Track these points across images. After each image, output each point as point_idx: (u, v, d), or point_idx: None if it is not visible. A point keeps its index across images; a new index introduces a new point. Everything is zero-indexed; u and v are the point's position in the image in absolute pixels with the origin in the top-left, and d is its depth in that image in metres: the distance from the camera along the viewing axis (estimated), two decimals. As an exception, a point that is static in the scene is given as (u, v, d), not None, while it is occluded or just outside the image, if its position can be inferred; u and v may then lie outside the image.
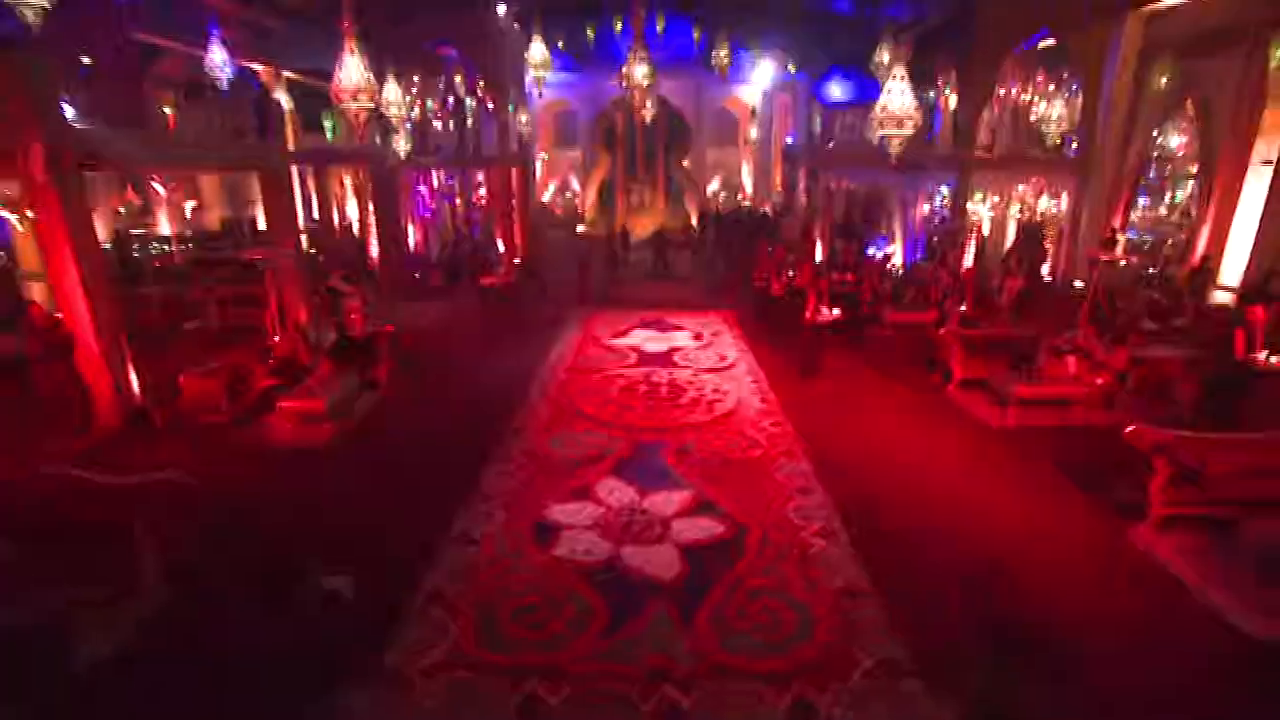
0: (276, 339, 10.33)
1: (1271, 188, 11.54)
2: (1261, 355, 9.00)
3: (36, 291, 12.66)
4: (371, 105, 7.71)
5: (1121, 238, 18.24)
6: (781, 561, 5.66)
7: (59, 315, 8.43)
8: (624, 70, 9.32)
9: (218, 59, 12.96)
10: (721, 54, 15.75)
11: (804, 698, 4.27)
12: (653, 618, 4.99)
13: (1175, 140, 18.13)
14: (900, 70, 7.75)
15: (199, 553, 5.34)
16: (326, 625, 4.51)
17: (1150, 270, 17.47)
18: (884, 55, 13.46)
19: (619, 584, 5.40)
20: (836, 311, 11.14)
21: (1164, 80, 15.14)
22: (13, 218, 9.76)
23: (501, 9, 18.44)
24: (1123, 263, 17.85)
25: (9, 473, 5.54)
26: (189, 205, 19.25)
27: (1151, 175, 20.84)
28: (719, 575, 5.47)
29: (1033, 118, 16.46)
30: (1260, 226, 11.75)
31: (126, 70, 11.40)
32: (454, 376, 11.05)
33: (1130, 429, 6.55)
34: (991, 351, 10.21)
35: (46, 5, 7.23)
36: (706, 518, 6.39)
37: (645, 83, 9.35)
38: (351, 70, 7.29)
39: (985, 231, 19.73)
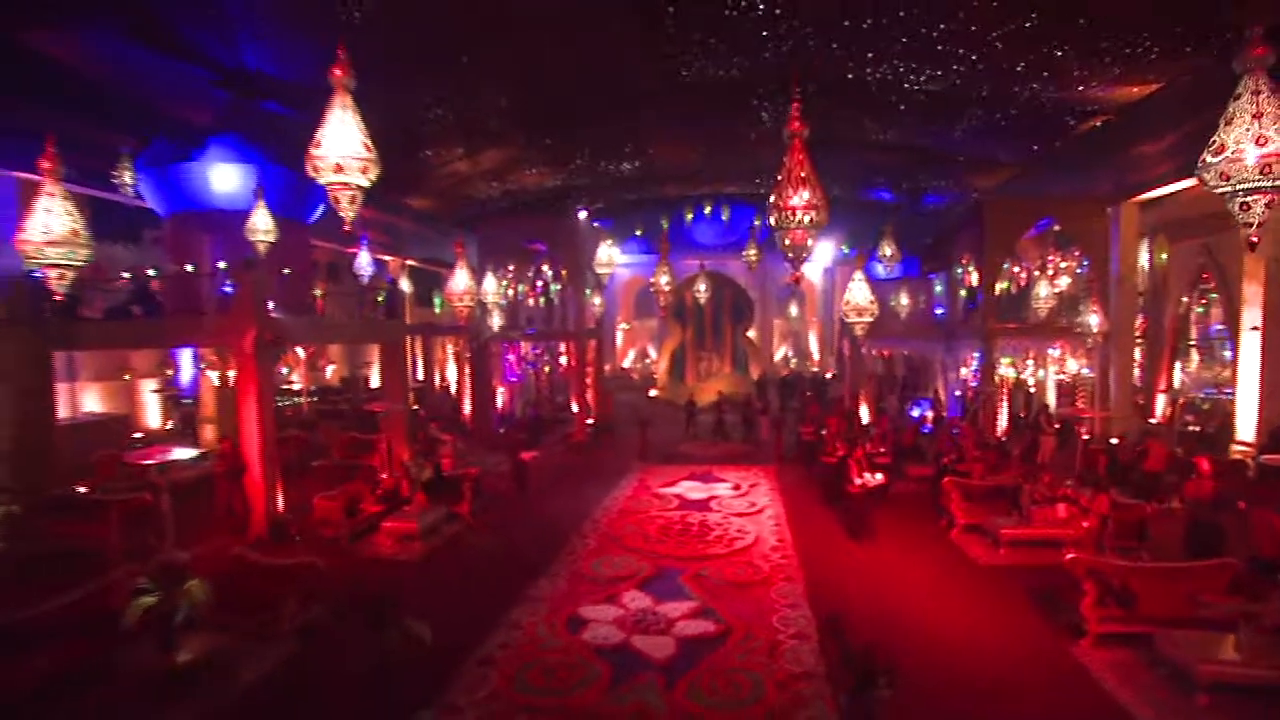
0: (384, 475, 12.88)
1: (1262, 351, 12.55)
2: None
3: (208, 432, 16.10)
4: (473, 304, 10.65)
5: (1163, 397, 18.94)
6: (754, 652, 7.04)
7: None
8: (652, 279, 12.12)
9: (364, 260, 16.95)
10: (750, 253, 18.63)
11: (747, 740, 5.61)
12: (645, 681, 6.48)
13: (1199, 308, 19.33)
14: (859, 275, 9.97)
15: (322, 614, 7.37)
16: (408, 663, 6.28)
17: (1196, 428, 17.88)
18: (886, 249, 15.91)
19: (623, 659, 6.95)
20: (880, 476, 12.26)
21: (1164, 256, 16.71)
22: (213, 375, 13.12)
23: (583, 215, 22.61)
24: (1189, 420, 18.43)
25: (206, 553, 7.87)
26: (330, 368, 23.29)
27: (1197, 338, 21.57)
28: (702, 656, 6.91)
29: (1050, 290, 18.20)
30: (1261, 387, 12.61)
31: (301, 269, 15.32)
32: (524, 513, 13.04)
33: (1070, 556, 7.72)
34: (993, 499, 11.32)
35: (272, 239, 10.82)
36: (704, 620, 7.87)
37: (667, 287, 12.04)
38: (460, 279, 10.33)
39: (1031, 390, 20.84)
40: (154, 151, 12.71)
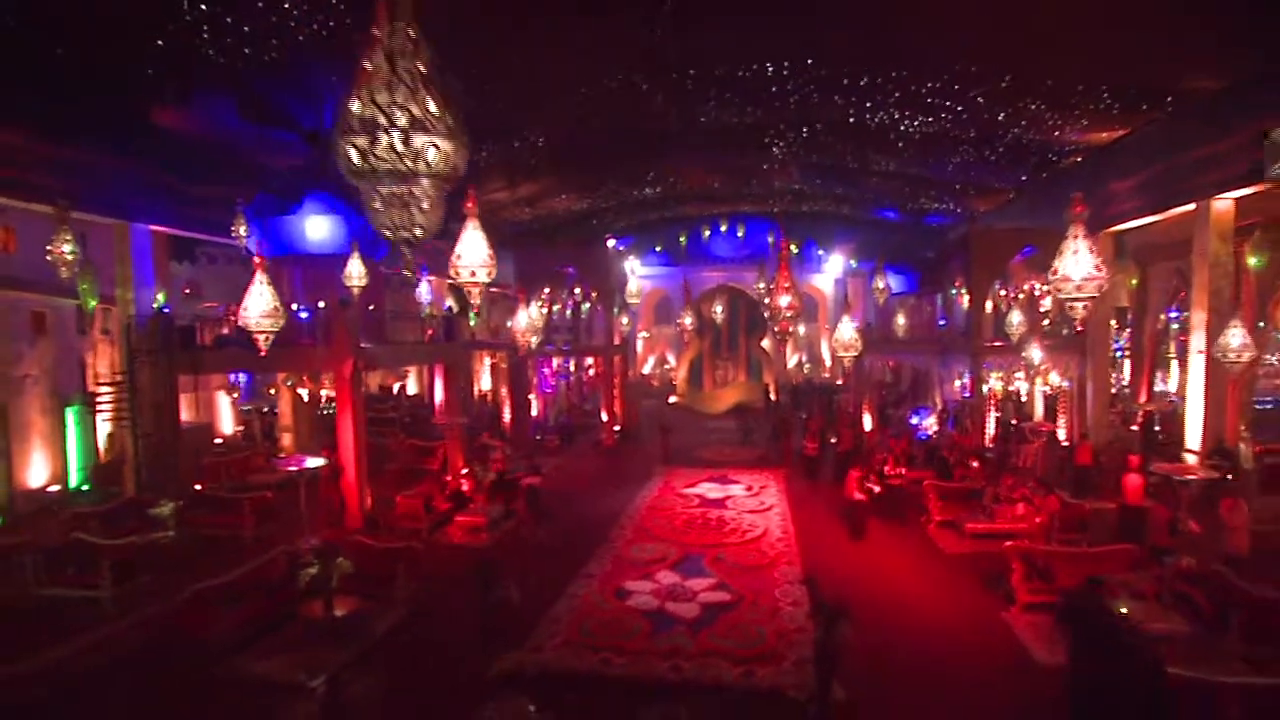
0: (449, 478, 15.17)
1: (1205, 373, 14.38)
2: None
3: (286, 439, 18.45)
4: (537, 339, 12.95)
5: (1138, 407, 20.71)
6: (759, 613, 9.22)
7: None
8: (679, 321, 14.34)
9: (424, 290, 19.29)
10: (761, 285, 20.70)
11: (750, 670, 7.79)
12: (677, 631, 8.69)
13: (1175, 326, 21.16)
14: (847, 317, 12.01)
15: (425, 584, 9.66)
16: (500, 618, 8.51)
17: (1163, 436, 19.66)
18: (880, 283, 17.94)
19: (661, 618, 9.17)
20: (878, 489, 14.04)
21: (1134, 282, 18.62)
22: (304, 391, 15.51)
23: (611, 243, 24.88)
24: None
25: (325, 538, 10.19)
26: (397, 385, 25.87)
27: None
28: (720, 616, 9.10)
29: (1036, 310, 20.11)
30: (1205, 404, 14.46)
31: (376, 301, 17.72)
32: (568, 510, 15.20)
33: (1008, 544, 9.79)
34: (965, 499, 13.36)
35: (365, 283, 13.21)
36: (721, 592, 10.06)
37: (691, 326, 14.19)
38: (522, 319, 12.63)
39: (1023, 401, 22.71)
40: (257, 205, 15.14)
